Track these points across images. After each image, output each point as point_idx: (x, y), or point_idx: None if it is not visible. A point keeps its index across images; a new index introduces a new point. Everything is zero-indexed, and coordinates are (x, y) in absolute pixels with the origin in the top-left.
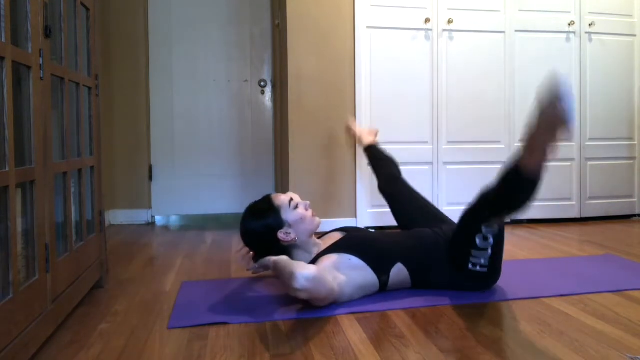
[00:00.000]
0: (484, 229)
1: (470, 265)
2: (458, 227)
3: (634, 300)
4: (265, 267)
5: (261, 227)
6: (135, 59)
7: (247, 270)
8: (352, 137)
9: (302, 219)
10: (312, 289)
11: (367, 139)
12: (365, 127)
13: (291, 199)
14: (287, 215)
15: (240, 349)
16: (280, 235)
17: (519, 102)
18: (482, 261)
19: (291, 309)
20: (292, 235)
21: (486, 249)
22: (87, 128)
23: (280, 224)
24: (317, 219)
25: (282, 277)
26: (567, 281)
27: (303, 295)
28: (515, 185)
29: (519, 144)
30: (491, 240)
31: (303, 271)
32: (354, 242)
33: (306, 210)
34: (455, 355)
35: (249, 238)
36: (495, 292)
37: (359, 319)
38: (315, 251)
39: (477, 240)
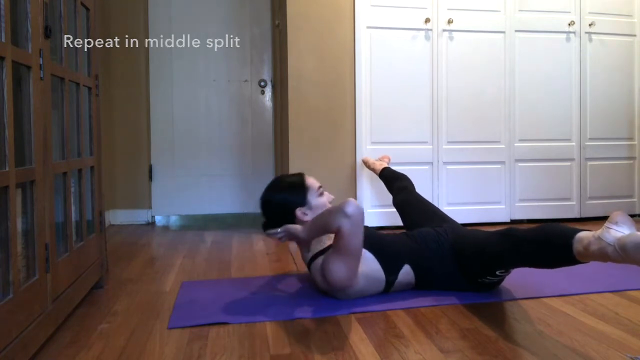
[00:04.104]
0: (508, 267)
1: (479, 280)
2: (477, 254)
3: (634, 300)
4: (290, 234)
5: (284, 199)
6: (135, 59)
7: (269, 235)
8: (370, 169)
9: (322, 207)
10: (357, 221)
11: (380, 165)
12: (375, 158)
13: (320, 186)
14: (312, 198)
15: (240, 349)
16: (298, 213)
17: (518, 102)
18: (494, 280)
19: (291, 309)
20: (309, 217)
21: (502, 275)
22: (87, 128)
23: (302, 202)
24: None
25: (327, 213)
26: (567, 281)
27: (346, 225)
28: (561, 261)
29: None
30: (510, 270)
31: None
32: (367, 238)
33: (329, 202)
34: (455, 355)
35: (268, 205)
36: (496, 292)
37: (359, 319)
38: (327, 242)
39: (497, 272)
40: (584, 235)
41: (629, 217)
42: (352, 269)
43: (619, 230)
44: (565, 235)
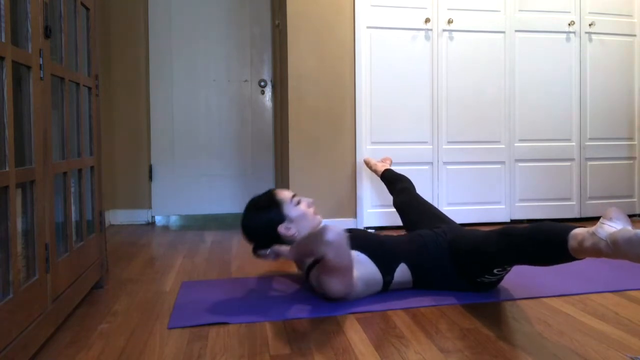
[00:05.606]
0: (506, 265)
1: (478, 280)
2: (475, 253)
3: (634, 300)
4: (277, 255)
5: (262, 221)
6: (135, 59)
7: (259, 257)
8: (372, 170)
9: (303, 216)
10: (340, 245)
11: (382, 167)
12: (378, 160)
13: (294, 195)
14: (289, 211)
15: (240, 349)
16: (281, 229)
17: (519, 102)
18: (493, 279)
19: (291, 309)
20: (293, 231)
21: (501, 274)
22: (87, 128)
23: (281, 218)
24: (319, 217)
25: (309, 241)
26: (567, 281)
27: (330, 253)
28: (557, 258)
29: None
30: (509, 269)
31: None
32: (360, 240)
33: (308, 207)
34: (455, 355)
35: (249, 231)
36: (495, 292)
37: (359, 319)
38: None
39: (495, 271)
40: (579, 231)
41: (623, 213)
42: (347, 281)
43: (613, 226)
44: (561, 232)
